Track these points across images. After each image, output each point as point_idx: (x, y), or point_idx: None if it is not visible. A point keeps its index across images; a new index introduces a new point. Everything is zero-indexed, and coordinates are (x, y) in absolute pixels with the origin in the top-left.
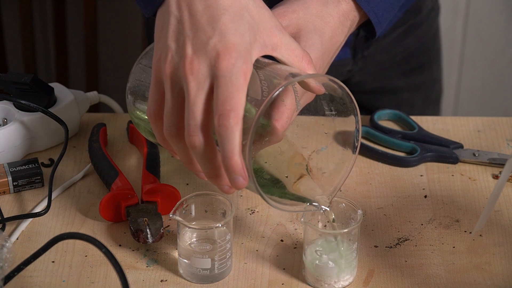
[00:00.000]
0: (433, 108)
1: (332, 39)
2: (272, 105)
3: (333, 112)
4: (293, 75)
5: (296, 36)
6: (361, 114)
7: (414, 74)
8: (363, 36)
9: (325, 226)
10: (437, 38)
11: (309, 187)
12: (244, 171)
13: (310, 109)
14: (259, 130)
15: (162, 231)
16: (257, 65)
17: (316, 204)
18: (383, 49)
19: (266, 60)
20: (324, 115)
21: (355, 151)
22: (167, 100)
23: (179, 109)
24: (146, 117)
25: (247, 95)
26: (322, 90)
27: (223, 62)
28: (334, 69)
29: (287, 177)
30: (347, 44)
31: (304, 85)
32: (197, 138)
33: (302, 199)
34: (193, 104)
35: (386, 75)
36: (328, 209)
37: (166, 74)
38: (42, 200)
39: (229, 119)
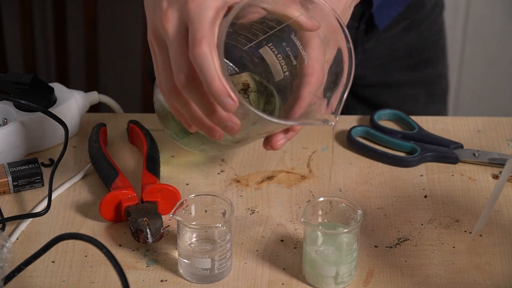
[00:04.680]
0: (438, 104)
1: None
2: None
3: None
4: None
5: None
6: (364, 109)
7: (417, 69)
8: (363, 29)
9: (325, 220)
10: (442, 34)
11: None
12: (229, 91)
13: None
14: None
15: (162, 231)
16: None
17: (322, 119)
18: (384, 43)
19: None
20: None
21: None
22: (158, 59)
23: (168, 61)
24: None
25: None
26: (316, 26)
27: (192, 2)
28: None
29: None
30: None
31: (296, 25)
32: (182, 75)
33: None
34: (172, 47)
35: (388, 69)
36: (334, 123)
37: (153, 37)
38: (42, 200)
39: (201, 46)
